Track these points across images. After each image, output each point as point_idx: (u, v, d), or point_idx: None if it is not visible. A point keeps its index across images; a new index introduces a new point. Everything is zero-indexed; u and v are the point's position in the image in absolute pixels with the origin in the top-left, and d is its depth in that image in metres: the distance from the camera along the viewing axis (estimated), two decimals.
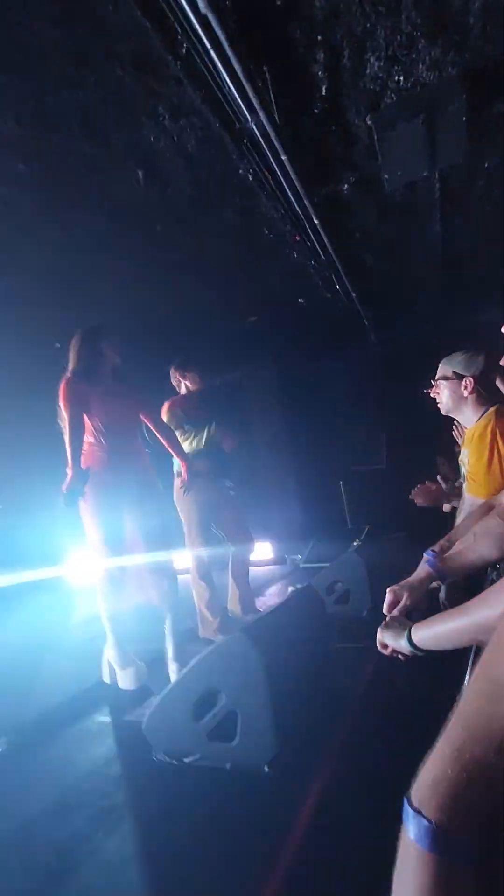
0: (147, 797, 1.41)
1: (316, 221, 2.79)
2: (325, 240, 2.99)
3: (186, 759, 1.49)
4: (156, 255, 3.09)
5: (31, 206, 2.48)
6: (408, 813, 0.46)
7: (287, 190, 2.47)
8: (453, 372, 1.95)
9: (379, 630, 1.14)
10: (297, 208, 2.63)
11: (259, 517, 5.03)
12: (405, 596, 1.23)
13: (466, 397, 1.92)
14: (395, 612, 1.21)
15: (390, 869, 0.46)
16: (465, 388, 1.91)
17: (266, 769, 1.38)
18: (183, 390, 3.10)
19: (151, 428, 2.66)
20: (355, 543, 3.44)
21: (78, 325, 3.31)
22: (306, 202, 2.58)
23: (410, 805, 0.46)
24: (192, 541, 2.93)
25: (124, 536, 2.40)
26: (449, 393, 1.96)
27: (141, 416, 2.61)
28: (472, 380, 1.90)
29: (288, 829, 1.14)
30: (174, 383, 3.13)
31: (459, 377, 1.93)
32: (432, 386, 2.02)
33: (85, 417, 2.37)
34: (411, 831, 0.45)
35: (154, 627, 2.50)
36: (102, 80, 1.86)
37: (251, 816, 1.23)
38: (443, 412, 2.04)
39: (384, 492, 5.04)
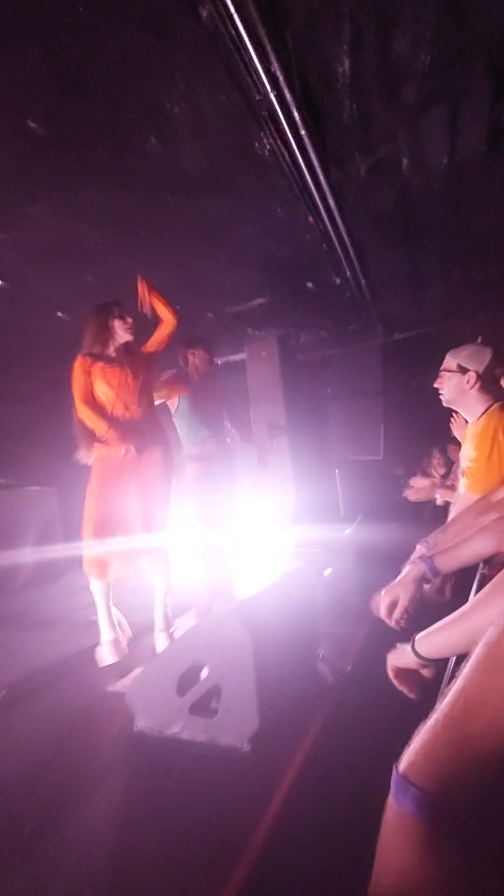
0: (126, 769, 1.42)
1: (331, 203, 2.74)
2: (339, 223, 2.94)
3: (167, 732, 1.50)
4: (164, 227, 3.02)
5: (38, 170, 2.42)
6: (396, 781, 0.46)
7: (304, 168, 2.41)
8: (458, 365, 1.94)
9: (388, 657, 1.12)
10: (313, 188, 2.57)
11: (254, 500, 5.04)
12: (401, 597, 1.22)
13: (469, 391, 1.91)
14: (396, 614, 1.21)
15: (371, 839, 0.46)
16: (468, 382, 1.90)
17: (247, 744, 1.39)
18: (191, 367, 3.08)
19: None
20: (347, 531, 3.45)
21: (81, 294, 3.29)
22: (323, 182, 2.53)
23: (400, 773, 0.46)
24: (199, 523, 2.94)
25: (125, 515, 2.41)
26: (452, 385, 1.95)
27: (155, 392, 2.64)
28: (475, 374, 1.89)
29: (268, 802, 1.16)
30: (182, 361, 3.11)
31: (464, 370, 1.92)
32: (438, 377, 2.01)
33: (99, 397, 2.40)
34: (400, 799, 0.45)
35: (145, 600, 2.52)
36: (118, 43, 1.79)
37: (231, 789, 1.25)
38: (444, 403, 2.03)
39: (379, 482, 5.06)
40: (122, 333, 2.46)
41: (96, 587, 2.34)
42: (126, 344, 2.50)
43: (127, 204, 2.75)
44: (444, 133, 2.33)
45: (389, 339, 5.25)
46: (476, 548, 1.22)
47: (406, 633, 1.08)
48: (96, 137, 2.24)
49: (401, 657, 1.07)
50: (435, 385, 2.03)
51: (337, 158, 2.51)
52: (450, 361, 1.97)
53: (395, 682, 1.10)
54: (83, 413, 2.38)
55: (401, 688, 1.09)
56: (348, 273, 3.60)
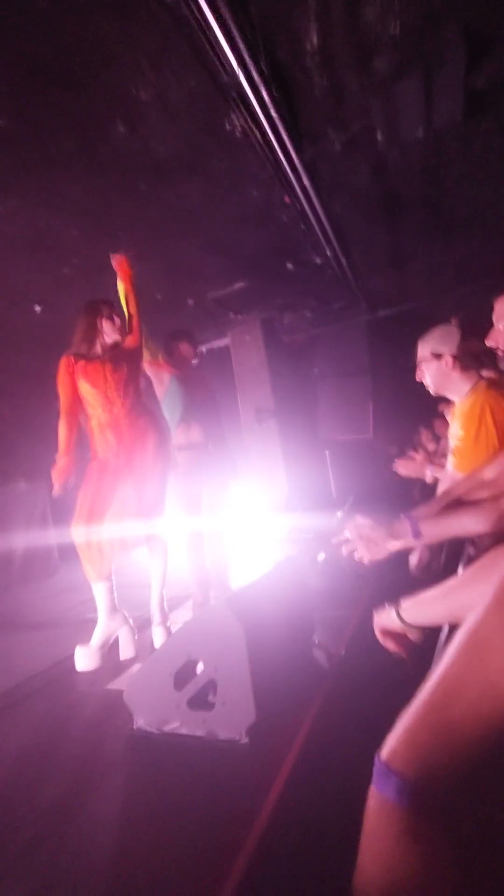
0: (126, 767, 1.44)
1: (306, 182, 2.68)
2: (316, 201, 2.88)
3: (166, 728, 1.52)
4: (139, 214, 2.95)
5: (7, 163, 2.33)
6: (379, 770, 0.47)
7: (276, 147, 2.35)
8: (431, 352, 1.92)
9: (375, 615, 1.21)
10: (287, 167, 2.51)
11: (244, 487, 5.05)
12: (371, 539, 1.25)
13: (451, 374, 1.89)
14: (354, 553, 1.31)
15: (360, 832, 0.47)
16: (447, 365, 1.88)
17: (245, 736, 1.41)
18: (176, 359, 3.04)
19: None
20: (339, 514, 3.47)
21: (59, 287, 3.20)
22: (296, 161, 2.47)
23: (382, 762, 0.47)
24: (186, 514, 2.94)
25: (120, 510, 2.40)
26: (433, 373, 1.93)
27: (144, 383, 2.61)
28: (451, 357, 1.87)
29: (267, 792, 1.18)
30: (165, 354, 3.07)
31: (438, 356, 1.90)
32: (417, 369, 1.99)
33: (87, 395, 2.39)
34: (382, 787, 0.46)
35: (143, 595, 2.53)
36: (82, 27, 1.71)
37: (230, 781, 1.27)
38: (432, 393, 2.01)
39: (370, 462, 5.08)
40: (109, 333, 2.43)
41: (98, 586, 2.33)
42: (114, 344, 2.46)
43: (99, 193, 2.68)
44: (419, 103, 2.27)
45: (374, 316, 5.21)
46: (463, 523, 1.20)
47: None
48: (64, 127, 2.17)
49: (386, 619, 1.12)
50: (417, 378, 2.01)
51: (310, 135, 2.45)
52: (423, 351, 1.95)
53: (380, 640, 1.15)
54: (60, 426, 2.38)
55: (386, 646, 1.13)
56: (328, 252, 3.54)
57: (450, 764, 0.47)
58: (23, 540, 4.49)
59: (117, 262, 2.62)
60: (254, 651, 1.45)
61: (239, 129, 2.25)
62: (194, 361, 3.10)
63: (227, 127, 2.26)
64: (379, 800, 0.46)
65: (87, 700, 1.92)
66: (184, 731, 1.48)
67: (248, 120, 2.17)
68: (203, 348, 4.38)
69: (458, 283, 4.68)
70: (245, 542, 3.83)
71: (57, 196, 2.62)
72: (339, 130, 2.44)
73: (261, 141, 2.31)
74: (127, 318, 2.59)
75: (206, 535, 2.98)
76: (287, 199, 2.84)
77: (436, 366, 1.90)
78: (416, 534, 1.22)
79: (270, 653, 1.62)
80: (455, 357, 1.86)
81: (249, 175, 2.68)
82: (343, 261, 3.78)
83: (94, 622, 2.32)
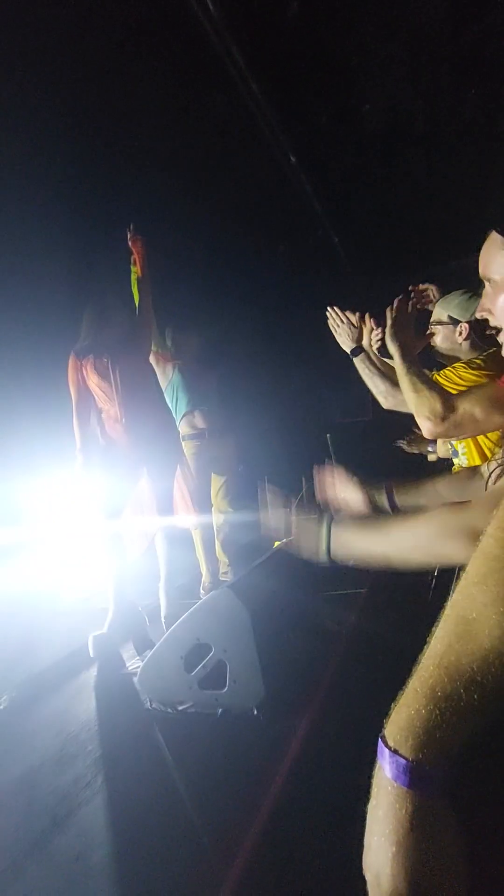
0: (143, 744, 1.48)
1: (293, 160, 2.63)
2: (303, 178, 2.84)
3: (179, 707, 1.57)
4: (124, 196, 2.88)
5: None
6: (383, 752, 0.46)
7: (261, 124, 2.31)
8: (448, 316, 1.88)
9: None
10: (272, 144, 2.47)
11: (245, 473, 5.07)
12: (340, 488, 1.26)
13: (461, 343, 1.86)
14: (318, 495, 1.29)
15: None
16: (461, 334, 1.84)
17: (255, 712, 1.45)
18: (180, 348, 3.04)
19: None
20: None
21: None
22: (281, 137, 2.42)
23: (386, 745, 0.47)
24: (198, 501, 2.97)
25: (134, 502, 2.48)
26: (442, 338, 1.89)
27: (153, 374, 2.63)
28: (467, 326, 1.83)
29: (277, 767, 1.22)
30: (169, 342, 3.06)
31: (455, 322, 1.85)
32: (428, 330, 1.94)
33: (96, 389, 2.40)
34: (388, 770, 0.46)
35: (153, 585, 2.58)
36: None
37: (242, 756, 1.31)
38: (437, 358, 1.97)
39: (371, 443, 5.07)
40: (114, 325, 2.43)
41: (113, 570, 2.39)
42: (117, 335, 2.45)
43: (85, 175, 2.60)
44: (406, 70, 2.22)
45: (368, 295, 5.14)
46: (429, 535, 0.93)
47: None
48: None
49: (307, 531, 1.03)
50: (426, 339, 1.97)
51: (294, 111, 2.39)
52: (440, 313, 1.89)
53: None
54: (73, 423, 2.41)
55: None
56: (319, 231, 3.49)
57: (454, 739, 0.47)
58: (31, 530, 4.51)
59: (133, 242, 2.60)
60: (260, 632, 1.48)
61: (221, 106, 2.21)
62: (198, 350, 3.09)
63: (212, 105, 2.22)
64: (385, 783, 0.45)
65: (103, 684, 1.98)
66: (197, 709, 1.53)
67: (230, 96, 2.13)
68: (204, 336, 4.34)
69: (451, 255, 4.60)
70: (250, 528, 3.86)
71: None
72: (324, 103, 2.39)
73: (243, 118, 2.26)
74: (136, 307, 2.58)
75: (214, 521, 3.02)
76: (275, 179, 2.79)
77: (449, 331, 1.86)
78: (391, 498, 1.21)
79: (277, 632, 1.66)
80: (470, 327, 1.81)
81: (234, 155, 2.62)
82: (336, 240, 3.73)
83: (106, 611, 2.37)
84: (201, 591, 2.93)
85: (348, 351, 1.88)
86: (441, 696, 0.47)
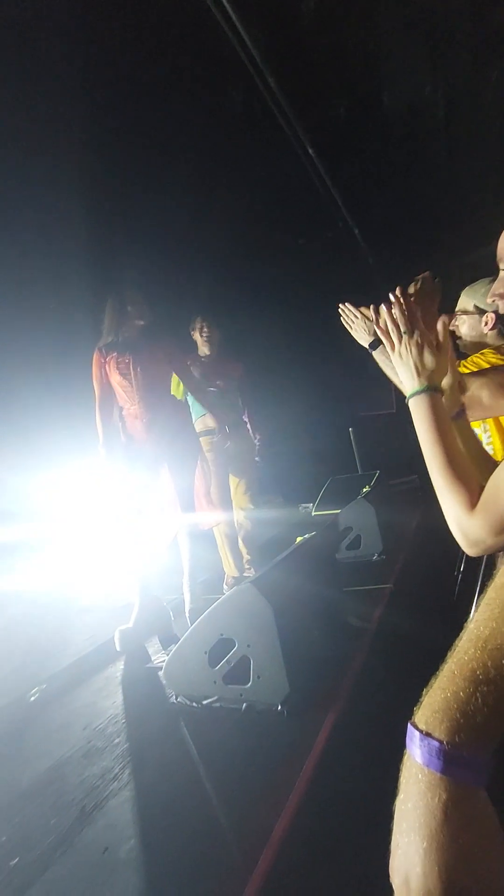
0: (169, 738, 1.49)
1: (311, 151, 2.60)
2: (322, 171, 2.80)
3: (204, 702, 1.57)
4: (143, 191, 2.89)
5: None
6: (413, 736, 0.44)
7: (277, 116, 2.28)
8: (475, 306, 1.82)
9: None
10: (290, 136, 2.44)
11: (268, 467, 5.05)
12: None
13: (487, 333, 1.81)
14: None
15: (395, 794, 0.45)
16: (486, 324, 1.79)
17: (280, 708, 1.44)
18: (200, 343, 3.05)
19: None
20: (365, 490, 3.44)
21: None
22: (298, 130, 2.39)
23: (417, 728, 0.44)
24: (217, 499, 2.98)
25: (157, 498, 2.50)
26: (468, 328, 1.84)
27: (172, 373, 2.63)
28: (493, 315, 1.77)
29: (301, 763, 1.21)
30: (195, 335, 3.08)
31: (481, 312, 1.80)
32: (453, 319, 1.89)
33: (117, 387, 2.43)
34: (419, 755, 0.43)
35: (177, 580, 2.61)
36: None
37: (266, 751, 1.30)
38: (461, 348, 1.92)
39: (394, 436, 4.99)
40: (135, 320, 2.44)
41: (137, 566, 2.42)
42: (140, 330, 2.46)
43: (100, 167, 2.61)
44: (425, 61, 2.16)
45: (390, 287, 5.05)
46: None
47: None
48: None
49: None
50: (450, 328, 1.91)
51: (312, 102, 2.36)
52: (466, 302, 1.84)
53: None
54: (96, 419, 2.44)
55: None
56: (339, 223, 3.45)
57: (491, 724, 0.43)
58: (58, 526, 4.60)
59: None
60: (283, 627, 1.47)
61: (239, 99, 2.19)
62: (209, 351, 3.09)
63: (228, 101, 2.21)
64: (416, 770, 0.42)
65: (129, 678, 2.00)
66: (221, 703, 1.53)
67: (247, 89, 2.11)
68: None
69: (473, 244, 4.48)
70: (271, 524, 3.86)
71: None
72: (342, 93, 2.35)
73: (259, 110, 2.24)
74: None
75: (236, 518, 3.02)
76: (291, 171, 2.76)
77: (475, 321, 1.81)
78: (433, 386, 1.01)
79: (301, 628, 1.65)
80: (497, 316, 1.76)
81: (252, 148, 2.60)
82: (356, 231, 3.67)
83: (131, 606, 2.40)
84: (224, 586, 2.94)
85: (366, 345, 1.82)
86: (483, 680, 0.44)
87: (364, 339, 1.80)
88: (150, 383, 2.45)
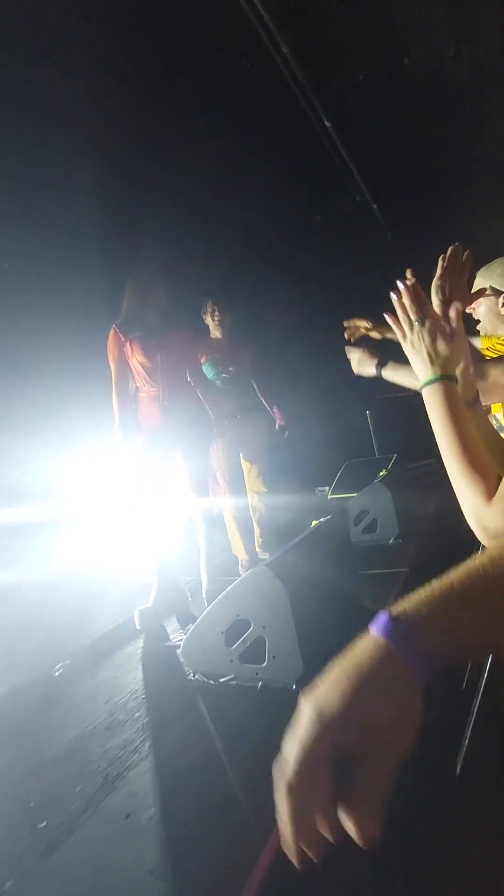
0: (187, 712, 1.55)
1: (328, 124, 2.52)
2: (338, 143, 2.71)
3: (221, 680, 1.62)
4: (159, 169, 2.85)
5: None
6: (387, 621, 0.44)
7: (291, 85, 2.21)
8: (491, 287, 1.77)
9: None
10: (305, 107, 2.36)
11: (284, 451, 5.05)
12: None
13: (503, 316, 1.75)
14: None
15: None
16: (503, 305, 1.74)
17: (294, 687, 1.48)
18: (212, 327, 3.04)
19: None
20: (382, 473, 3.42)
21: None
22: (314, 100, 2.32)
23: (393, 616, 0.44)
24: (228, 483, 3.01)
25: (171, 482, 2.53)
26: (485, 310, 1.79)
27: (190, 354, 2.64)
28: None
29: None
30: (206, 319, 3.07)
31: (497, 293, 1.75)
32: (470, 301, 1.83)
33: (138, 367, 2.43)
34: (372, 627, 0.45)
35: (194, 561, 2.66)
36: None
37: (281, 727, 1.34)
38: (481, 331, 1.88)
39: (412, 419, 4.93)
40: (155, 304, 2.44)
41: (155, 547, 2.48)
42: (161, 314, 2.46)
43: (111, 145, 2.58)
44: (448, 19, 2.06)
45: (412, 266, 4.92)
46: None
47: None
48: None
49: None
50: (467, 311, 1.86)
51: (327, 69, 2.28)
52: (481, 283, 1.77)
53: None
54: (112, 398, 2.44)
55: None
56: (357, 198, 3.35)
57: (450, 630, 0.43)
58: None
59: None
60: (298, 609, 1.50)
61: (252, 66, 2.12)
62: (220, 335, 3.07)
63: (244, 69, 2.14)
64: (379, 644, 0.43)
65: (149, 655, 2.07)
66: (237, 681, 1.58)
67: (259, 57, 2.04)
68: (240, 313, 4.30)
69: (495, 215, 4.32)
70: (286, 508, 3.88)
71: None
72: (360, 58, 2.25)
73: (273, 78, 2.17)
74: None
75: (250, 502, 3.05)
76: (308, 142, 2.68)
77: (491, 303, 1.75)
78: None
79: (315, 610, 1.67)
80: None
81: (267, 119, 2.53)
82: (374, 206, 3.57)
83: (150, 586, 2.47)
84: (240, 569, 2.99)
85: (374, 372, 1.62)
86: (457, 590, 0.45)
87: (369, 366, 1.69)
88: (172, 368, 2.46)
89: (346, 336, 2.00)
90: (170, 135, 2.53)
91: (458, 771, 1.12)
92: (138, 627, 2.34)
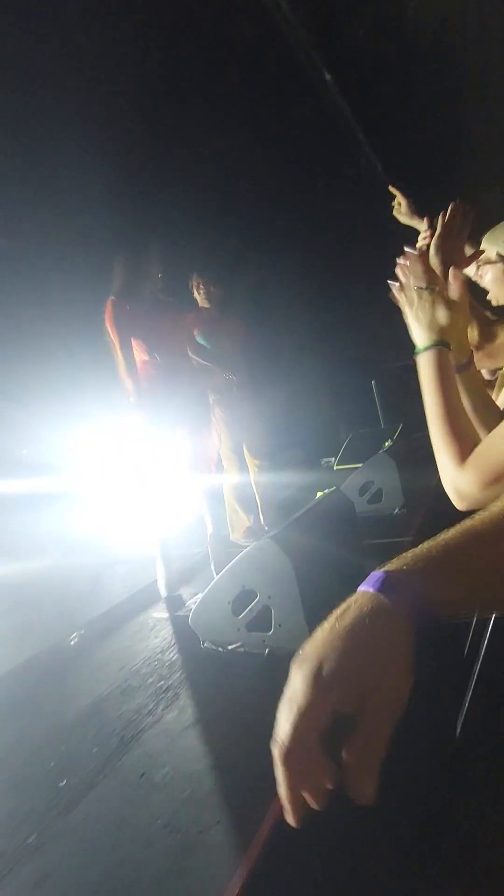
0: (198, 677, 1.61)
1: (328, 77, 2.40)
2: (342, 101, 2.60)
3: (230, 647, 1.67)
4: (161, 141, 2.76)
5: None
6: (381, 576, 0.44)
7: (288, 41, 2.10)
8: (497, 254, 1.70)
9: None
10: (305, 64, 2.25)
11: (290, 422, 5.04)
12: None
13: None
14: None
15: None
16: None
17: (300, 653, 1.52)
18: (200, 301, 3.00)
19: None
20: (387, 443, 3.42)
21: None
22: (314, 55, 2.20)
23: (386, 573, 0.44)
24: (228, 457, 3.02)
25: (174, 458, 2.55)
26: (492, 278, 1.72)
27: (186, 332, 2.64)
28: None
29: None
30: (195, 294, 3.02)
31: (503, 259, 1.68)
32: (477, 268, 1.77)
33: (141, 342, 2.42)
34: (369, 584, 0.44)
35: (197, 535, 2.72)
36: None
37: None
38: (492, 302, 1.81)
39: (418, 388, 4.87)
40: (153, 274, 2.44)
41: (158, 526, 2.53)
42: (156, 286, 2.47)
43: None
44: None
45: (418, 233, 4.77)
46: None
47: None
48: None
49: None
50: (474, 279, 1.80)
51: (326, 22, 2.15)
52: (488, 250, 1.70)
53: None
54: (120, 369, 2.38)
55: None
56: (361, 160, 3.23)
57: (441, 583, 0.43)
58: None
59: None
60: (303, 580, 1.53)
61: (249, 26, 2.02)
62: (210, 307, 3.02)
63: (241, 30, 2.04)
64: (371, 598, 0.42)
65: (160, 624, 2.14)
66: (245, 649, 1.63)
67: (255, 14, 1.94)
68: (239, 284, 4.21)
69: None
70: (290, 479, 3.90)
71: None
72: (361, 9, 2.13)
73: (270, 36, 2.06)
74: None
75: (251, 474, 3.09)
76: (307, 99, 2.57)
77: (497, 271, 1.68)
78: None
79: (321, 579, 1.70)
80: None
81: (268, 80, 2.42)
82: (379, 170, 3.44)
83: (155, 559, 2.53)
84: (241, 537, 3.02)
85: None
86: (450, 545, 0.45)
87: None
88: (169, 341, 2.46)
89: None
90: (171, 100, 2.43)
91: (458, 733, 1.17)
92: (165, 594, 2.42)
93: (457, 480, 0.78)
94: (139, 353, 2.46)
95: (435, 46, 2.38)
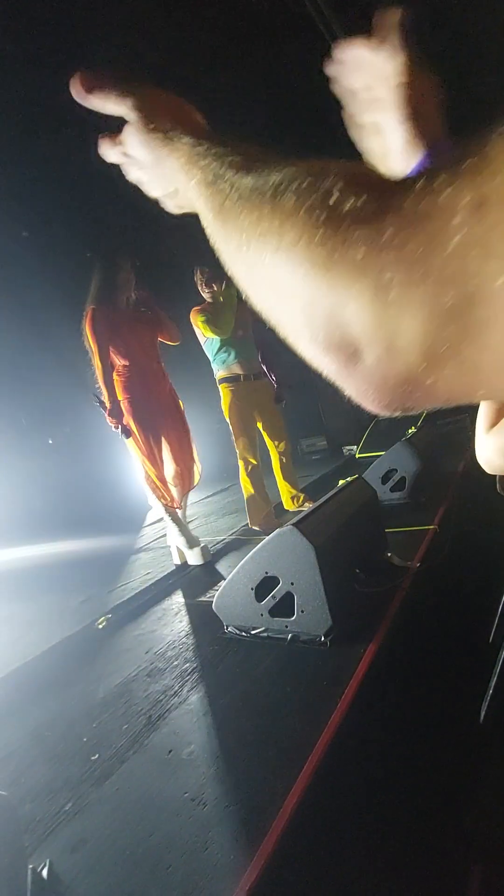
0: (222, 661, 1.65)
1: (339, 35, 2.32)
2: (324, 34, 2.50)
3: (253, 632, 1.70)
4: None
5: None
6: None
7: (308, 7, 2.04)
8: None
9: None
10: (316, 21, 2.17)
11: (311, 411, 5.02)
12: None
13: None
14: None
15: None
16: None
17: (323, 639, 1.54)
18: (205, 296, 3.00)
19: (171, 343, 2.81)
20: (411, 431, 3.37)
21: None
22: (323, 8, 2.12)
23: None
24: (239, 443, 3.04)
25: (162, 448, 2.69)
26: None
27: (160, 339, 2.75)
28: None
29: (342, 687, 1.31)
30: (199, 288, 3.02)
31: None
32: None
33: (121, 348, 2.55)
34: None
35: (221, 525, 2.76)
36: None
37: (310, 675, 1.42)
38: None
39: None
40: (128, 288, 2.57)
41: (168, 514, 2.62)
42: (130, 297, 2.60)
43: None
44: None
45: None
46: None
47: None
48: None
49: None
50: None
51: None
52: None
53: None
54: (98, 374, 2.51)
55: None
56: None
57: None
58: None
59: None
60: (326, 566, 1.54)
61: None
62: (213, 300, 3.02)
63: None
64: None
65: (184, 609, 2.19)
66: (268, 634, 1.66)
67: None
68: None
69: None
70: (314, 463, 3.90)
71: None
72: None
73: None
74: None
75: (272, 458, 3.14)
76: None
77: None
78: None
79: (343, 566, 1.72)
80: None
81: (274, 36, 2.35)
82: None
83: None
84: (260, 524, 3.04)
85: None
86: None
87: None
88: (145, 344, 2.62)
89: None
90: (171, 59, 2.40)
91: (482, 718, 1.17)
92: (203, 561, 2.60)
93: (480, 446, 0.74)
94: (117, 358, 2.57)
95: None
